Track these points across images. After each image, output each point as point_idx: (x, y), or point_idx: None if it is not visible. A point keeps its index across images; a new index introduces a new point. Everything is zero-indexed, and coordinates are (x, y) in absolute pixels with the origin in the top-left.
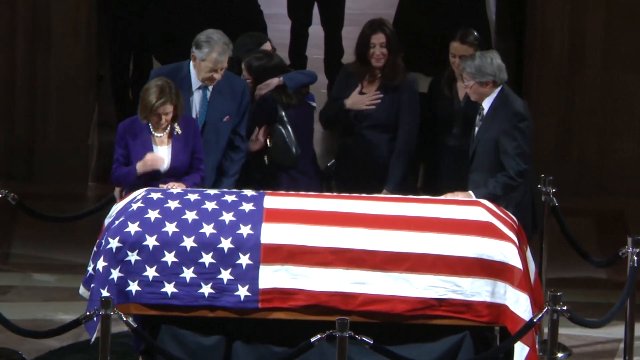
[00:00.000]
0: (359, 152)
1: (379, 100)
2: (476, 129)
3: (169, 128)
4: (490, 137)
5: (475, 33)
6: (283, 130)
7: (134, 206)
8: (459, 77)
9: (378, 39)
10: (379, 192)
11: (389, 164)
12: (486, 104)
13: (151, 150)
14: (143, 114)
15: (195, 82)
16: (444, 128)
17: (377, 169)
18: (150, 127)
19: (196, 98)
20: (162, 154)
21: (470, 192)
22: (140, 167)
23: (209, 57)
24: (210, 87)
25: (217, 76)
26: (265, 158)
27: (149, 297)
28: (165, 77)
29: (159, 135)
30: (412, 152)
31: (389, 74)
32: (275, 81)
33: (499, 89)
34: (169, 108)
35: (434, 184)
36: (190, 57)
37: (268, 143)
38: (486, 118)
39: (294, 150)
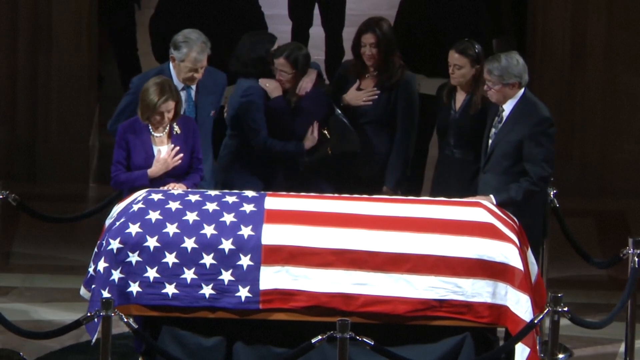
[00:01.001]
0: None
1: (376, 97)
2: (493, 130)
3: (167, 128)
4: (511, 140)
5: (477, 46)
6: (340, 118)
7: (135, 207)
8: (459, 89)
9: (367, 39)
10: (378, 188)
11: (387, 160)
12: (507, 106)
13: (151, 150)
14: (145, 114)
15: (178, 83)
16: (441, 136)
17: (375, 165)
18: (150, 127)
19: (182, 98)
20: (162, 154)
21: (492, 196)
22: (153, 171)
23: (188, 57)
24: (194, 86)
25: (198, 75)
26: (329, 150)
27: (150, 298)
28: (151, 76)
29: (158, 135)
30: (410, 149)
31: (384, 73)
32: (313, 73)
33: (522, 91)
34: (171, 105)
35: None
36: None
37: (327, 135)
38: (508, 121)
39: (354, 131)
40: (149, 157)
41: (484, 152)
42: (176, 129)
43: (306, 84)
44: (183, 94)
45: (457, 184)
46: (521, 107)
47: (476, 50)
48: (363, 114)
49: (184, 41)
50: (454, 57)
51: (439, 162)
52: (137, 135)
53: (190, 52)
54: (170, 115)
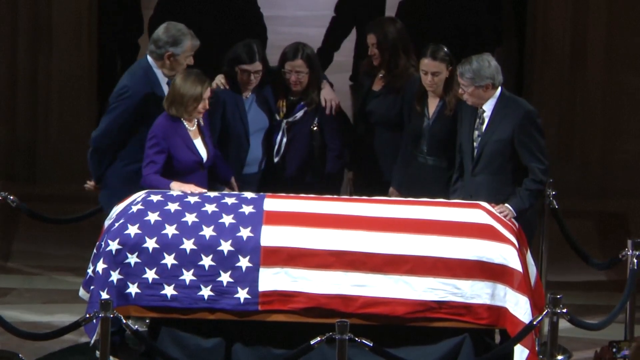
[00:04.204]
0: (363, 149)
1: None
2: (476, 132)
3: (196, 121)
4: (499, 138)
5: (445, 49)
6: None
7: (134, 208)
8: (431, 95)
9: (370, 39)
10: (384, 189)
11: (393, 161)
12: (488, 107)
13: (193, 145)
14: (190, 107)
15: (163, 78)
16: (414, 144)
17: (381, 166)
18: (185, 122)
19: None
20: (199, 148)
21: (507, 205)
22: (176, 186)
23: (188, 47)
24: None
25: (191, 61)
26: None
27: (149, 300)
28: (143, 76)
29: (191, 129)
30: None
31: (390, 74)
32: (328, 86)
33: (498, 91)
34: (210, 91)
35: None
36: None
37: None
38: (492, 120)
39: None
40: (194, 151)
41: (470, 155)
42: (200, 120)
43: (334, 101)
44: (167, 88)
45: (430, 192)
46: (502, 104)
47: (446, 52)
48: (370, 114)
49: (178, 35)
50: (429, 64)
51: (411, 170)
52: (176, 134)
53: (189, 41)
54: (208, 103)
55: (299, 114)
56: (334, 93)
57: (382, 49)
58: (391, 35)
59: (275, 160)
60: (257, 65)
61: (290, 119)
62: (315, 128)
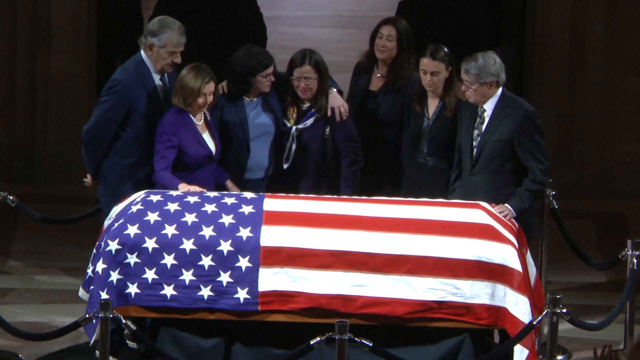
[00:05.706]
0: (363, 149)
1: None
2: (475, 132)
3: (203, 115)
4: (499, 138)
5: (445, 49)
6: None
7: (134, 208)
8: (430, 95)
9: (387, 30)
10: (384, 189)
11: (392, 160)
12: (488, 106)
13: (202, 138)
14: (189, 100)
15: (155, 73)
16: (414, 145)
17: (380, 165)
18: (192, 117)
19: (159, 87)
20: (208, 141)
21: (507, 205)
22: (183, 187)
23: (169, 41)
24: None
25: (178, 60)
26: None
27: (148, 300)
28: (134, 70)
29: (199, 123)
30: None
31: (393, 72)
32: (337, 94)
33: (500, 90)
34: (212, 87)
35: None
36: (135, 52)
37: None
38: (493, 120)
39: None
40: (204, 145)
41: (469, 155)
42: (207, 114)
43: (343, 107)
44: (160, 83)
45: (430, 192)
46: (503, 105)
47: (446, 52)
48: (371, 114)
49: (161, 26)
50: (429, 64)
51: (411, 170)
52: (185, 128)
53: (171, 35)
54: (212, 98)
55: (310, 121)
56: (342, 99)
57: (400, 43)
58: (408, 32)
59: (285, 166)
60: (272, 66)
61: (300, 126)
62: (327, 135)
